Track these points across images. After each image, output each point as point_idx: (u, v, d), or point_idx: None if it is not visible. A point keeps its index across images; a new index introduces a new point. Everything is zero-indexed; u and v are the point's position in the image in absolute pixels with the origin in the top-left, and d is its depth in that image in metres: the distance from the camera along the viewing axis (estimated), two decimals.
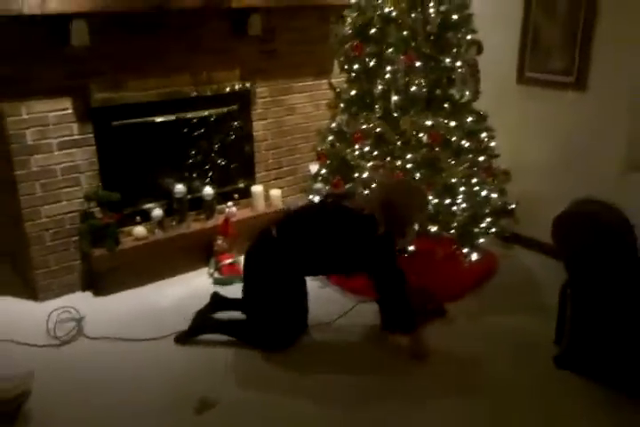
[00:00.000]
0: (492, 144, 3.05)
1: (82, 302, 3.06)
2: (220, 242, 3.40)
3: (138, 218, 3.28)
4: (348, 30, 2.99)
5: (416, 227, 2.77)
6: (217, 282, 3.30)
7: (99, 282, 3.16)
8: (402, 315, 2.57)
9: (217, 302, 2.91)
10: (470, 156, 2.97)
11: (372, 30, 2.89)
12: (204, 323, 2.78)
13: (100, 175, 3.12)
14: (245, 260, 2.73)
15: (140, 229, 3.23)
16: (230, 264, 3.35)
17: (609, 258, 2.22)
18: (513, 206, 3.07)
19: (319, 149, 3.23)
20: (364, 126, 2.97)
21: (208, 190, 3.44)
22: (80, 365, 2.59)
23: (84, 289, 3.20)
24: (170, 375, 2.51)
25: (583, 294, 2.34)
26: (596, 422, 2.19)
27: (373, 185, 2.87)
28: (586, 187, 2.55)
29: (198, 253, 3.41)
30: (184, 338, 2.73)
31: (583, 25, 3.03)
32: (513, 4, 3.32)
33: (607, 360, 2.32)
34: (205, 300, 3.00)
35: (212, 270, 3.37)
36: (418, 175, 2.89)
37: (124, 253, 3.16)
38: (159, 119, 3.25)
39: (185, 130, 3.38)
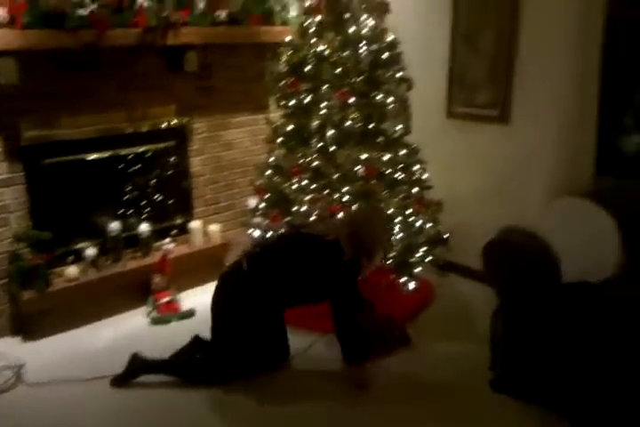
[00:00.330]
0: (425, 176, 3.16)
1: (11, 347, 2.92)
2: (157, 280, 3.33)
3: (70, 258, 3.17)
4: (283, 67, 3.06)
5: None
6: (154, 321, 3.21)
7: (29, 326, 3.01)
8: (355, 344, 2.58)
9: (197, 343, 2.82)
10: (404, 187, 3.05)
11: (307, 68, 2.97)
12: (142, 364, 2.68)
13: (30, 215, 3.01)
14: (215, 293, 2.70)
15: (72, 270, 3.12)
16: (168, 302, 3.28)
17: (534, 284, 2.32)
18: (447, 235, 3.16)
19: (257, 183, 3.24)
20: (302, 160, 3.01)
21: (144, 227, 3.38)
22: (16, 413, 2.46)
23: (13, 334, 3.04)
24: (107, 421, 2.40)
25: (513, 319, 2.42)
26: None
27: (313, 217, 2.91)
28: (513, 215, 2.67)
29: (135, 291, 3.31)
30: (120, 381, 2.63)
31: (505, 62, 3.22)
32: (439, 43, 3.48)
33: (540, 382, 2.39)
34: (142, 340, 2.94)
35: (149, 309, 3.29)
36: (355, 207, 2.94)
37: (56, 295, 3.03)
38: (93, 156, 3.20)
39: (120, 166, 3.33)
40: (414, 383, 2.64)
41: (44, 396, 2.57)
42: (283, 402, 2.52)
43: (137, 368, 2.65)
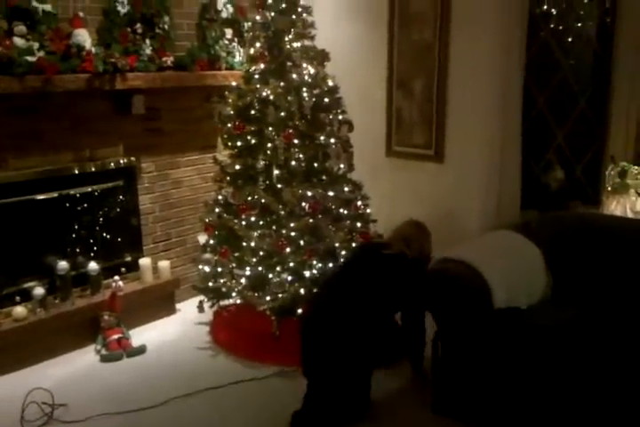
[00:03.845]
0: (368, 211, 3.33)
1: None
2: (106, 317, 3.34)
3: (17, 298, 3.16)
4: (229, 111, 3.21)
5: None
6: (104, 359, 3.22)
7: None
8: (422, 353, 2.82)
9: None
10: (348, 222, 3.22)
11: (252, 111, 3.13)
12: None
13: None
14: (312, 330, 2.65)
15: (19, 310, 3.11)
16: (119, 340, 3.30)
17: (468, 310, 2.50)
18: None
19: (207, 220, 3.34)
20: (250, 198, 3.14)
21: (93, 266, 3.40)
22: None
23: None
24: None
25: (451, 344, 2.59)
26: None
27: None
28: (448, 247, 2.86)
29: (84, 330, 3.32)
30: None
31: (437, 107, 3.46)
32: (377, 88, 3.72)
33: (478, 404, 2.55)
34: (92, 377, 2.96)
35: (98, 347, 3.29)
36: (302, 242, 3.08)
37: (3, 336, 3.02)
38: (41, 197, 3.22)
39: (68, 206, 3.36)
40: None
41: None
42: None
43: None
